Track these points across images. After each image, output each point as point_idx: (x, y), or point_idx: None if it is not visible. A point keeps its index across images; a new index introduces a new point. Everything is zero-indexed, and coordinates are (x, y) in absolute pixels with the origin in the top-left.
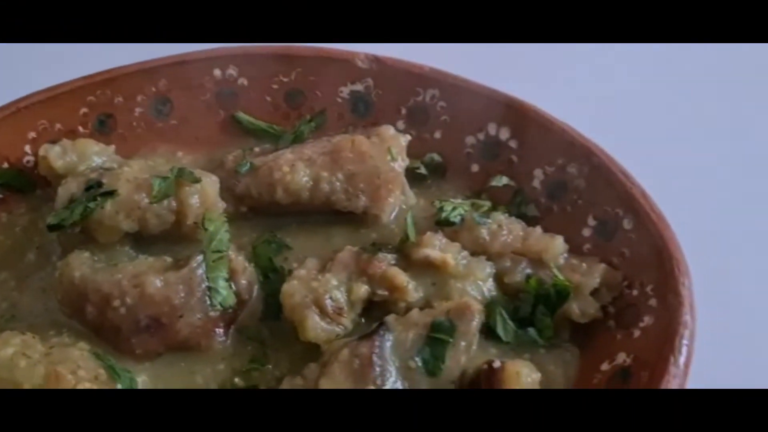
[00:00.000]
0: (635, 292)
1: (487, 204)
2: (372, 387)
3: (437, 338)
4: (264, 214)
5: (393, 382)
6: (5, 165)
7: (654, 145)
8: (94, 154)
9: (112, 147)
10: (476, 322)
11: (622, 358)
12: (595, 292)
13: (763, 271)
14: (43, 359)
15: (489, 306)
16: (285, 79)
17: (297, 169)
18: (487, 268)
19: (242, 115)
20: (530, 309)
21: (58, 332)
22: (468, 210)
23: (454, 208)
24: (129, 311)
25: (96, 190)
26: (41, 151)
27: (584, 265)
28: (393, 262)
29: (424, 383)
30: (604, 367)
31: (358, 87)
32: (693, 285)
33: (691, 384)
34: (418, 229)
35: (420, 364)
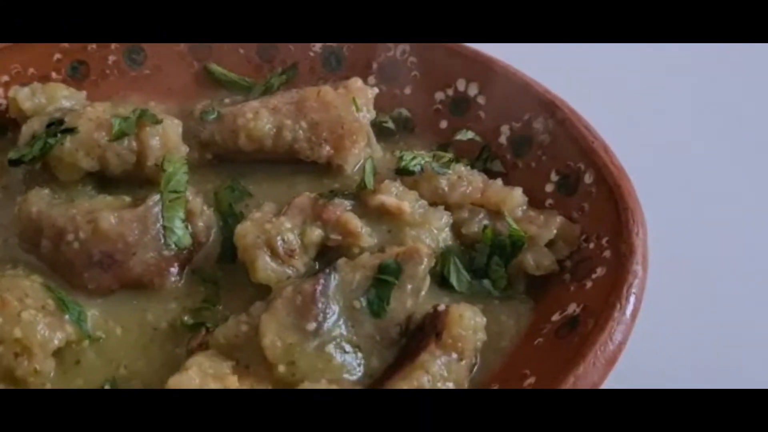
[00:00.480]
0: (591, 245)
1: (448, 155)
2: (313, 324)
3: (383, 280)
4: (229, 162)
5: (335, 320)
6: None
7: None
8: (63, 98)
9: (83, 93)
10: (424, 266)
11: (572, 308)
12: (552, 245)
13: (727, 232)
14: None
15: (444, 255)
16: None
17: (260, 116)
18: (444, 217)
19: (215, 67)
20: (485, 260)
21: (14, 267)
22: (428, 160)
23: (414, 158)
24: (82, 246)
25: (57, 127)
26: (11, 93)
27: (542, 217)
28: (349, 208)
29: (367, 324)
30: (555, 317)
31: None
32: (648, 237)
33: (640, 333)
34: (380, 180)
35: (364, 304)
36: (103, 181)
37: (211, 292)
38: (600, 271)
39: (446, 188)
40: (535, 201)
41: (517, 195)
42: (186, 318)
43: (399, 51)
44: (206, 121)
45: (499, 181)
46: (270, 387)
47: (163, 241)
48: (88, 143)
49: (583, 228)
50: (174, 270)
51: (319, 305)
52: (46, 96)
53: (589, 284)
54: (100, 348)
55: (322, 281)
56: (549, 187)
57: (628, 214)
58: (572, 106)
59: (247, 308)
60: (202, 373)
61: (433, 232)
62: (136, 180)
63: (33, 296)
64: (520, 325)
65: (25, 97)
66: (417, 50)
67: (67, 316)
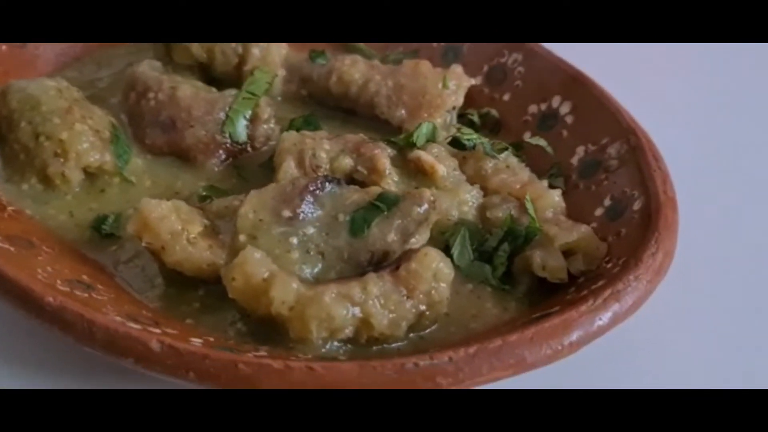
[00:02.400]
0: (609, 265)
1: (504, 144)
2: (288, 213)
3: (375, 205)
4: (319, 104)
5: (312, 221)
6: None
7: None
8: None
9: None
10: (422, 209)
11: (553, 310)
12: (570, 257)
13: None
14: (70, 100)
15: (456, 225)
16: None
17: (356, 66)
18: (473, 192)
19: None
20: (495, 244)
21: (104, 109)
22: (483, 141)
23: (471, 134)
24: (156, 105)
25: None
26: None
27: (570, 222)
28: (389, 153)
29: (342, 238)
30: (534, 316)
31: None
32: (668, 269)
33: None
34: None
35: (347, 219)
36: (208, 78)
37: (239, 187)
38: (600, 284)
39: (490, 171)
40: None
41: (554, 196)
42: (203, 192)
43: (511, 59)
44: (314, 62)
45: (544, 183)
46: (224, 254)
47: (221, 127)
48: None
49: (610, 250)
50: (219, 155)
51: (304, 199)
52: None
53: (583, 293)
54: (125, 188)
55: (318, 182)
56: (598, 212)
57: (654, 236)
58: (649, 135)
59: None
60: (174, 211)
61: (457, 201)
62: (232, 85)
63: (96, 121)
64: (500, 318)
65: None
66: (528, 60)
67: (112, 148)
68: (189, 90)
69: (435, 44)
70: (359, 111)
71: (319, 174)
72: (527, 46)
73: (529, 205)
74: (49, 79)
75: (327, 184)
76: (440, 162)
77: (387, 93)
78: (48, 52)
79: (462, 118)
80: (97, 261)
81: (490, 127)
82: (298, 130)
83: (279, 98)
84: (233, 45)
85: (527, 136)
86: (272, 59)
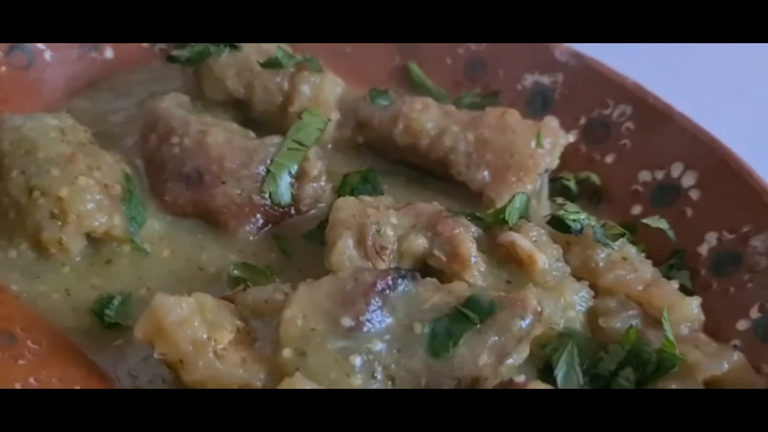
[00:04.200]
0: None
1: (621, 230)
2: (349, 322)
3: (464, 314)
4: (378, 156)
5: (380, 333)
6: None
7: None
8: None
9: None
10: (525, 323)
11: None
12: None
13: None
14: (75, 144)
15: (561, 338)
16: (473, 47)
17: (429, 112)
18: (582, 293)
19: (415, 68)
20: (614, 367)
21: (116, 153)
22: (594, 224)
23: (577, 213)
24: (181, 152)
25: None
26: None
27: (714, 345)
28: (474, 234)
29: (419, 358)
30: None
31: (545, 79)
32: None
33: None
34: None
35: (427, 331)
36: (245, 119)
37: (279, 264)
38: None
39: (601, 264)
40: (716, 336)
41: (692, 306)
42: (235, 271)
43: (618, 111)
44: (375, 102)
45: (673, 284)
46: (262, 373)
47: (259, 185)
48: (243, 63)
49: None
50: (255, 221)
51: (371, 303)
52: None
53: None
54: (137, 260)
55: (389, 278)
56: (742, 325)
57: None
58: None
59: None
60: (198, 312)
61: (561, 304)
62: (274, 129)
63: (105, 172)
64: None
65: None
66: (640, 115)
67: (124, 208)
68: (222, 136)
69: (519, 86)
70: (430, 168)
71: (384, 256)
72: (640, 98)
73: (666, 326)
74: (51, 116)
75: (399, 280)
76: (540, 250)
77: (466, 149)
78: (57, 75)
79: (554, 182)
80: (97, 364)
81: (588, 195)
82: (353, 190)
83: (329, 145)
84: (277, 79)
85: (636, 211)
86: (325, 98)
